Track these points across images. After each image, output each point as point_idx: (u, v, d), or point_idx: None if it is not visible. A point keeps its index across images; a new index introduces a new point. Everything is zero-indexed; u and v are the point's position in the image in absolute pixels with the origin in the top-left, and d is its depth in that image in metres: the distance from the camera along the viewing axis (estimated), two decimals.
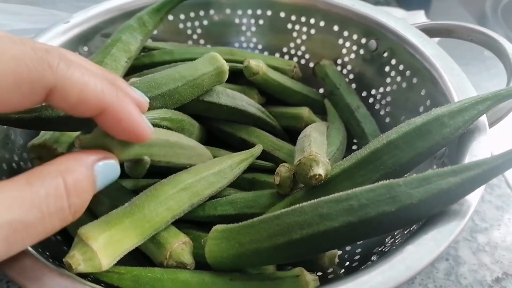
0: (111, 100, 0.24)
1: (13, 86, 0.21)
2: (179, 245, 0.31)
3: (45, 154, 0.35)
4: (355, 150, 0.47)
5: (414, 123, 0.31)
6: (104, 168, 0.25)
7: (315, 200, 0.28)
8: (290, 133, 0.46)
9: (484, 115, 0.33)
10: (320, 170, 0.31)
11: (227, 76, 0.40)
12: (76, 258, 0.27)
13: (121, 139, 0.26)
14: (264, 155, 0.41)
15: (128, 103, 0.25)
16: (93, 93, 0.23)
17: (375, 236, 0.27)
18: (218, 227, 0.31)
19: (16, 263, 0.25)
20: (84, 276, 0.27)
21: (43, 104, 0.24)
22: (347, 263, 0.35)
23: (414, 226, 0.30)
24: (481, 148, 0.31)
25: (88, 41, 0.46)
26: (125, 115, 0.25)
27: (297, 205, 0.29)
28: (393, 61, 0.44)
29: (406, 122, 0.32)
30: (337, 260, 0.34)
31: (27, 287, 0.25)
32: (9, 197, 0.20)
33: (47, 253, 0.29)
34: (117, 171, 0.26)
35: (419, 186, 0.26)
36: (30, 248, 0.27)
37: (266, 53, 0.55)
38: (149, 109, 0.31)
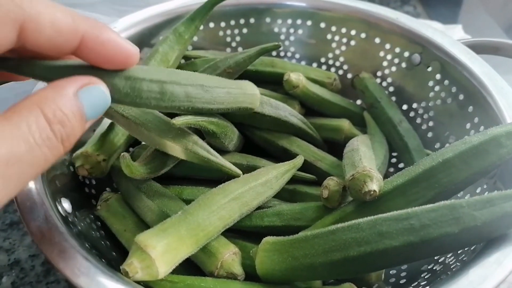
0: (85, 27, 0.24)
1: None
2: (230, 256, 0.32)
3: (88, 162, 0.37)
4: (394, 164, 0.47)
5: (471, 142, 0.31)
6: (89, 95, 0.23)
7: (372, 217, 0.28)
8: (329, 145, 0.46)
9: None
10: (374, 186, 0.31)
11: None
12: (134, 266, 0.27)
13: (109, 68, 0.25)
14: (305, 166, 0.41)
15: (105, 28, 0.25)
16: (64, 22, 0.23)
17: (435, 256, 0.27)
18: (269, 239, 0.31)
19: (73, 264, 0.26)
20: (138, 283, 0.28)
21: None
22: (393, 279, 0.35)
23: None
24: None
25: None
26: (106, 37, 0.24)
27: (353, 221, 0.28)
28: (438, 76, 0.44)
29: (460, 140, 0.32)
30: (383, 276, 0.34)
31: None
32: None
33: (103, 260, 0.29)
34: (104, 96, 0.24)
35: (483, 208, 0.26)
36: (85, 254, 0.27)
37: (303, 62, 0.55)
38: None
